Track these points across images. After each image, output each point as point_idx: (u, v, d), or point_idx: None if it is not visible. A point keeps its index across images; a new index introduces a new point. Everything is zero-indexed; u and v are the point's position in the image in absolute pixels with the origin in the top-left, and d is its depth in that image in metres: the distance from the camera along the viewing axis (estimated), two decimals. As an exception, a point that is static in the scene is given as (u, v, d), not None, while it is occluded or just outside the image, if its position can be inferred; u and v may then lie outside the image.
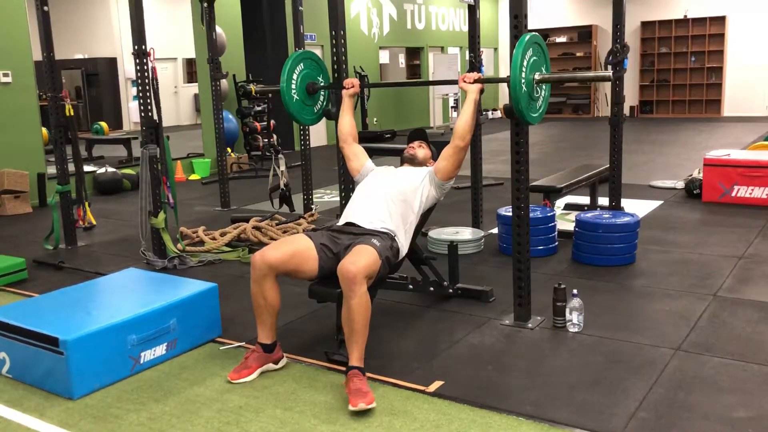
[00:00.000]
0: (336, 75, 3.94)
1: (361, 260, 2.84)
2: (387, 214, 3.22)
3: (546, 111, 3.34)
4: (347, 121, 3.68)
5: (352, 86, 3.70)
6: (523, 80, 3.00)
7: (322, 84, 3.85)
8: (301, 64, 3.78)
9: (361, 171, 3.55)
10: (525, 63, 3.03)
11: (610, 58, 5.25)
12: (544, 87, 3.22)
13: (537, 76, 3.11)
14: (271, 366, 3.08)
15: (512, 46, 3.33)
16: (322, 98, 3.91)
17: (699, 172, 6.68)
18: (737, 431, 2.47)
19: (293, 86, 3.74)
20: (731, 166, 6.24)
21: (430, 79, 15.31)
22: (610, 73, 3.26)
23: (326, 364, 3.12)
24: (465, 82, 3.37)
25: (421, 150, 3.62)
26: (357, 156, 3.62)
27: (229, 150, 9.69)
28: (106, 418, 2.73)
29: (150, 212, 4.83)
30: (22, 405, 2.88)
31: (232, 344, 3.40)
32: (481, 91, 3.44)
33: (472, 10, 5.20)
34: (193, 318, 3.37)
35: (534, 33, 3.13)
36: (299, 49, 3.81)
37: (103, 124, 12.92)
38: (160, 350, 3.22)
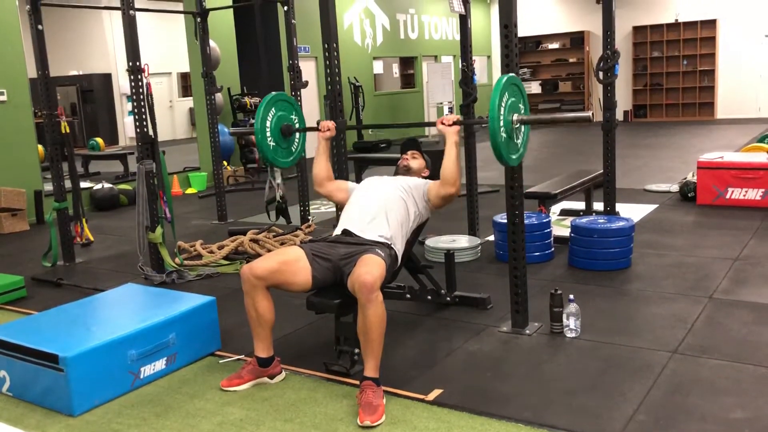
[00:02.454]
0: (330, 87, 3.97)
1: (375, 269, 2.85)
2: (384, 220, 3.23)
3: (526, 151, 3.24)
4: (322, 165, 3.55)
5: (328, 129, 3.58)
6: (501, 125, 2.93)
7: (297, 126, 3.73)
8: (274, 108, 3.62)
9: (350, 194, 3.51)
10: (503, 107, 2.95)
11: (602, 64, 5.29)
12: (523, 128, 3.14)
13: (515, 118, 3.04)
14: (266, 380, 3.09)
15: (503, 56, 3.37)
16: (297, 140, 3.78)
17: (693, 175, 6.72)
18: (735, 432, 2.49)
19: (268, 131, 3.58)
20: (725, 168, 6.28)
21: (425, 86, 15.39)
22: (590, 113, 3.22)
23: (326, 375, 3.13)
24: (443, 124, 3.30)
25: (414, 161, 3.63)
26: (339, 189, 3.57)
27: (225, 163, 9.72)
28: (107, 434, 2.74)
29: (147, 227, 4.85)
30: (23, 423, 2.88)
31: (231, 357, 3.42)
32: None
33: (464, 20, 5.24)
34: (193, 332, 3.39)
35: (510, 75, 3.07)
36: (274, 92, 3.70)
37: (99, 140, 12.92)
38: (160, 365, 3.23)
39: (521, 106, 3.11)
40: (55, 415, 2.92)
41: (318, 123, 3.69)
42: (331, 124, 3.61)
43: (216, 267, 5.13)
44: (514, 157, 3.08)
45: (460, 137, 3.36)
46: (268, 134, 3.56)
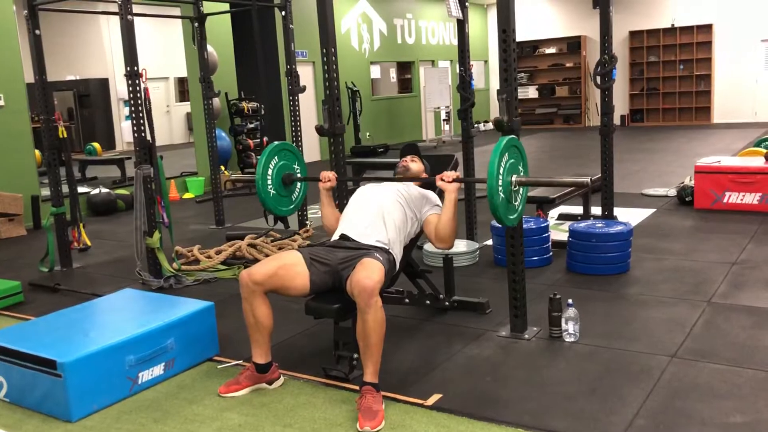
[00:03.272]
0: (328, 92, 3.97)
1: (374, 274, 2.85)
2: (382, 225, 3.23)
3: (524, 209, 3.23)
4: (329, 214, 3.54)
5: (329, 180, 3.51)
6: (500, 187, 2.92)
7: (298, 176, 3.69)
8: (276, 157, 3.59)
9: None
10: (502, 168, 2.94)
11: (599, 68, 5.31)
12: (521, 190, 3.13)
13: (514, 179, 3.02)
14: (264, 386, 3.08)
15: (501, 61, 3.38)
16: (298, 188, 3.75)
17: (690, 180, 6.73)
18: (734, 437, 2.49)
19: (269, 180, 3.55)
20: (722, 172, 6.29)
21: (422, 91, 15.40)
22: (587, 179, 3.21)
23: (324, 380, 3.13)
24: (443, 181, 3.20)
25: (413, 164, 3.63)
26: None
27: (222, 168, 9.72)
28: (105, 440, 2.73)
29: (145, 232, 4.84)
30: (21, 429, 2.87)
31: (229, 362, 3.41)
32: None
33: (461, 25, 5.25)
34: (191, 337, 3.38)
35: (511, 137, 3.06)
36: (277, 142, 3.64)
37: (96, 144, 12.92)
38: (158, 370, 3.22)
39: (521, 168, 3.10)
40: (53, 421, 2.91)
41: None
42: (331, 174, 3.54)
43: (214, 272, 5.13)
44: (511, 218, 3.07)
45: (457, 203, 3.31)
46: (270, 183, 3.55)
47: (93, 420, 2.90)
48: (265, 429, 2.73)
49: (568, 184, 3.26)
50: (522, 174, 3.11)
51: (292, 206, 3.74)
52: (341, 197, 3.91)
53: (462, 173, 5.30)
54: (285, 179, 3.62)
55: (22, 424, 2.90)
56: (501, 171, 2.93)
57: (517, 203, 3.11)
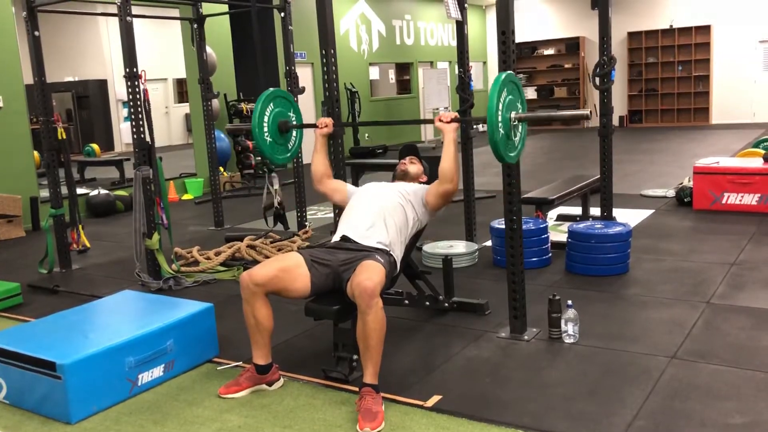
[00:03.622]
0: (327, 93, 3.97)
1: (375, 275, 2.85)
2: (383, 226, 3.23)
3: (523, 148, 3.24)
4: (320, 161, 3.57)
5: (326, 126, 3.59)
6: (500, 122, 2.94)
7: (294, 123, 3.73)
8: (272, 104, 3.65)
9: (348, 197, 3.52)
10: (501, 104, 2.96)
11: (598, 69, 5.31)
12: (520, 126, 3.15)
13: (513, 115, 3.05)
14: (264, 387, 3.08)
15: (500, 62, 3.38)
16: (294, 137, 3.78)
17: (689, 181, 6.74)
18: (734, 437, 2.49)
19: (265, 126, 3.60)
20: (721, 173, 6.29)
21: (421, 92, 15.41)
22: (587, 111, 3.23)
23: (324, 381, 3.13)
24: (441, 121, 3.29)
25: (413, 166, 3.64)
26: (337, 190, 3.57)
27: (221, 169, 9.71)
28: (105, 442, 2.73)
29: (144, 233, 4.83)
30: (20, 431, 2.87)
31: (229, 364, 3.41)
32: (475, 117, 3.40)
33: (460, 26, 5.26)
34: (190, 338, 3.38)
35: (508, 72, 3.09)
36: (272, 88, 3.70)
37: (95, 146, 12.91)
38: (158, 372, 3.22)
39: (519, 104, 3.12)
40: (53, 423, 2.91)
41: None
42: (328, 120, 3.61)
43: (213, 273, 5.13)
44: (512, 154, 3.10)
45: (458, 142, 3.35)
46: (266, 130, 3.57)
47: (92, 422, 2.90)
48: (264, 430, 2.73)
49: (569, 117, 3.32)
50: (520, 110, 3.12)
51: (288, 154, 3.78)
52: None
53: (461, 175, 5.30)
54: (281, 126, 3.65)
55: (22, 426, 2.90)
56: (500, 107, 2.94)
57: (516, 139, 3.12)
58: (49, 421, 2.93)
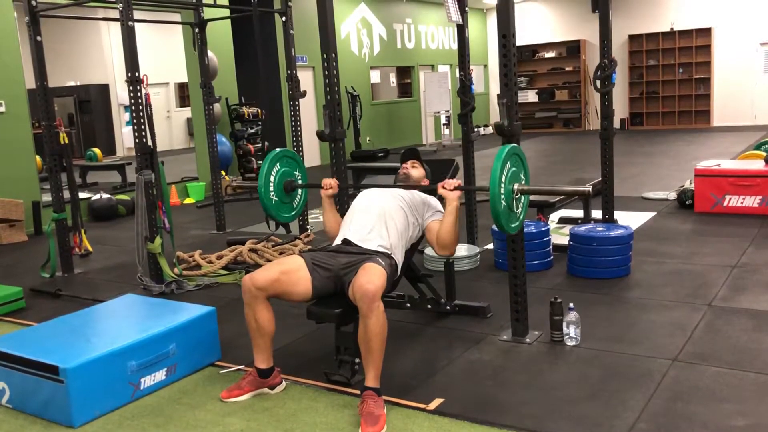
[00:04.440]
0: (329, 97, 3.98)
1: (376, 279, 2.85)
2: (384, 230, 3.24)
3: (525, 217, 3.24)
4: (331, 219, 3.55)
5: (331, 188, 3.53)
6: (502, 195, 2.93)
7: (299, 183, 3.72)
8: (278, 164, 3.62)
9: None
10: (504, 176, 2.94)
11: (599, 72, 5.32)
12: (522, 198, 3.13)
13: (516, 187, 3.03)
14: (266, 391, 3.08)
15: (501, 65, 3.39)
16: (299, 194, 3.78)
17: (690, 183, 6.74)
18: (736, 440, 2.49)
19: (271, 186, 3.59)
20: (722, 176, 6.29)
21: (422, 95, 15.42)
22: (588, 188, 3.22)
23: (326, 384, 3.13)
24: (445, 189, 3.20)
25: (414, 170, 3.64)
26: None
27: (223, 173, 9.73)
28: (108, 446, 2.73)
29: (146, 237, 4.84)
30: (23, 434, 2.88)
31: (231, 367, 3.41)
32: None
33: (461, 29, 5.27)
34: (192, 342, 3.38)
35: (513, 145, 3.08)
36: (279, 149, 3.69)
37: (97, 150, 12.94)
38: (160, 375, 3.23)
39: (522, 176, 3.11)
40: (55, 427, 2.91)
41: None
42: (333, 182, 3.55)
43: (215, 277, 5.13)
44: (513, 226, 3.08)
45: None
46: (272, 189, 3.57)
47: (95, 426, 2.91)
48: (267, 434, 2.73)
49: (569, 193, 3.27)
50: (523, 182, 3.11)
51: (293, 212, 3.77)
52: (342, 202, 3.93)
53: (463, 177, 5.30)
54: (286, 186, 3.64)
55: (25, 430, 2.91)
56: (503, 180, 2.93)
57: (518, 211, 3.11)
58: (52, 425, 2.93)
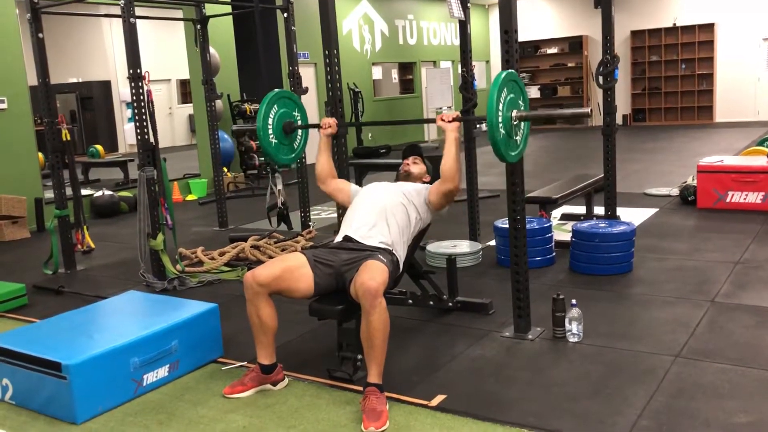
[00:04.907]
0: (330, 93, 3.98)
1: (378, 275, 2.85)
2: (385, 226, 3.24)
3: (525, 147, 3.23)
4: (324, 161, 3.59)
5: (329, 126, 3.61)
6: (500, 122, 2.91)
7: (299, 123, 3.74)
8: (276, 105, 3.65)
9: (351, 197, 3.53)
10: (501, 103, 2.93)
11: (601, 68, 5.31)
12: (522, 125, 3.12)
13: (515, 114, 3.01)
14: (268, 387, 3.09)
15: (503, 61, 3.38)
16: (299, 137, 3.79)
17: (693, 179, 6.73)
18: (739, 436, 2.49)
19: (270, 127, 3.61)
20: (725, 172, 6.28)
21: (424, 91, 15.41)
22: (588, 109, 3.22)
23: (328, 381, 3.13)
24: (443, 121, 3.32)
25: (416, 166, 3.64)
26: (341, 189, 3.59)
27: (225, 170, 9.72)
28: (111, 442, 2.74)
29: (148, 234, 4.84)
30: (26, 431, 2.88)
31: (233, 364, 3.41)
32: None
33: (463, 25, 5.26)
34: (195, 339, 3.38)
35: (509, 71, 3.06)
36: (277, 89, 3.70)
37: (99, 147, 12.94)
38: (163, 372, 3.23)
39: (521, 102, 3.09)
40: (58, 424, 2.92)
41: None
42: (332, 120, 3.63)
43: (217, 273, 5.13)
44: (513, 153, 3.06)
45: (460, 141, 3.35)
46: (270, 131, 3.57)
47: (98, 422, 2.91)
48: (269, 430, 2.74)
49: (570, 115, 3.30)
50: (522, 109, 3.09)
51: (293, 154, 3.79)
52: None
53: (465, 174, 5.29)
54: (286, 127, 3.66)
55: (28, 427, 2.91)
56: (500, 106, 2.90)
57: (518, 138, 3.09)
58: (55, 421, 2.94)
